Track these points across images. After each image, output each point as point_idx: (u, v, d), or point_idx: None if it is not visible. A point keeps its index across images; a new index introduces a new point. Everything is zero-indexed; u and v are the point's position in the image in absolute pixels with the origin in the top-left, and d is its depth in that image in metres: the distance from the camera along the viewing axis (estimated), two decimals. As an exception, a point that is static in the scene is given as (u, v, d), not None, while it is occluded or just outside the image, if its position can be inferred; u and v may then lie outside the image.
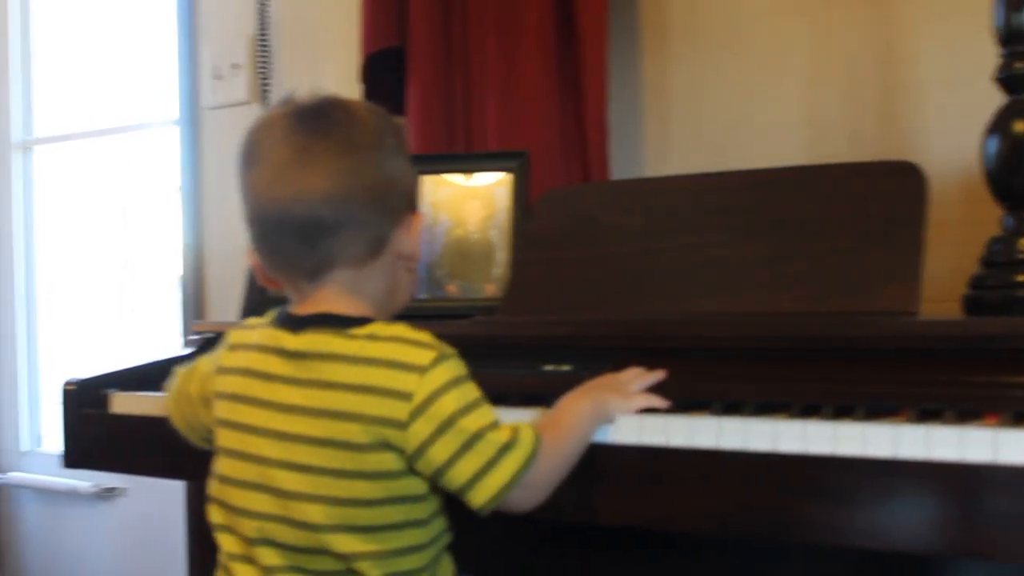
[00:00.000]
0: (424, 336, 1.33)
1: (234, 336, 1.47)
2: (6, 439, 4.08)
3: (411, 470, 1.32)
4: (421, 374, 1.29)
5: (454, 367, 1.32)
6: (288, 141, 1.35)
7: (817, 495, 1.28)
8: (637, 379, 1.50)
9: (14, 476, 4.01)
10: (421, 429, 1.29)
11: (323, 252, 1.36)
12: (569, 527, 1.70)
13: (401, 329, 1.34)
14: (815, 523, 1.28)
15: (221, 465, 1.42)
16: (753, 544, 1.71)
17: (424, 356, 1.31)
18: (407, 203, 1.43)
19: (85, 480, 3.69)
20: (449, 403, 1.29)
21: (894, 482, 1.24)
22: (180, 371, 1.59)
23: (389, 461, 1.31)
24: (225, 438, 1.42)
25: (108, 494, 3.69)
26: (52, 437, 3.96)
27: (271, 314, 1.43)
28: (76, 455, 2.07)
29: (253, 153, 1.39)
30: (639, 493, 1.41)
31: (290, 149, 1.35)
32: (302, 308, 1.39)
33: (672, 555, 1.80)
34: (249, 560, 1.37)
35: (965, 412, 1.31)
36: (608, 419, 1.43)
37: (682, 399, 1.47)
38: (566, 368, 1.66)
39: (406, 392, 1.29)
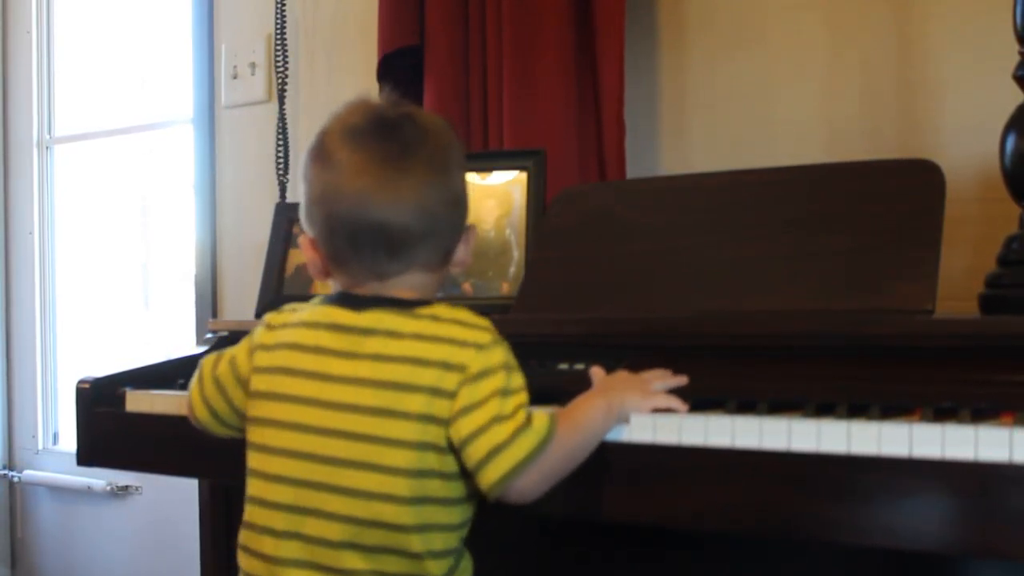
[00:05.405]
0: (484, 321, 1.41)
1: (271, 318, 1.51)
2: (22, 437, 4.10)
3: (450, 446, 1.36)
4: (478, 350, 1.36)
5: (508, 353, 1.40)
6: (376, 151, 1.41)
7: (831, 494, 1.27)
8: (659, 379, 1.50)
9: (30, 474, 4.02)
10: (464, 398, 1.34)
11: (403, 260, 1.42)
12: (579, 525, 1.70)
13: (463, 313, 1.42)
14: (829, 522, 1.28)
15: (257, 435, 1.45)
16: (767, 543, 1.70)
17: (484, 336, 1.38)
18: (468, 215, 1.50)
19: (100, 478, 3.70)
20: (496, 382, 1.36)
21: (909, 481, 1.23)
22: (205, 360, 1.59)
23: (435, 433, 1.35)
24: (264, 409, 1.44)
25: (123, 492, 3.70)
26: (68, 435, 3.97)
27: (317, 298, 1.48)
28: (89, 453, 2.08)
29: (332, 156, 1.43)
30: (653, 492, 1.41)
31: (380, 160, 1.40)
32: (363, 291, 1.44)
33: (686, 555, 1.79)
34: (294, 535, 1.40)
35: (981, 411, 1.30)
36: (624, 418, 1.43)
37: (696, 398, 1.46)
38: (580, 367, 1.66)
39: (461, 365, 1.35)
